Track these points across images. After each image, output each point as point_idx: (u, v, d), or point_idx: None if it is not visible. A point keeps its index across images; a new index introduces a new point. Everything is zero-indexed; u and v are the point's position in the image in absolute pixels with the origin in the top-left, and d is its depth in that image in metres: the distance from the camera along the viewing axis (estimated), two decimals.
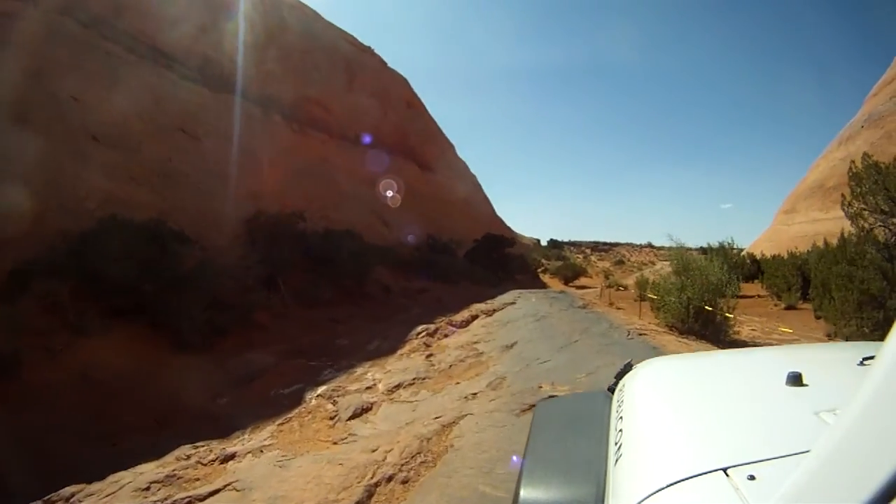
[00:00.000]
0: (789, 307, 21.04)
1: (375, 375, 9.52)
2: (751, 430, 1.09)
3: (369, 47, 35.08)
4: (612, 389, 1.64)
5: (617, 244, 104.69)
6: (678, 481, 0.87)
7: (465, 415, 6.21)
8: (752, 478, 0.83)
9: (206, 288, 13.02)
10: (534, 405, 6.28)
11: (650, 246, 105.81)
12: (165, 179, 17.72)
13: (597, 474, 1.15)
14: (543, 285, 39.14)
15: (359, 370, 10.04)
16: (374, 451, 5.36)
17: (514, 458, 4.49)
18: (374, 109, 33.04)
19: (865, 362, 1.28)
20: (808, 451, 0.66)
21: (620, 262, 76.93)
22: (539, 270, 44.81)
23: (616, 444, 1.19)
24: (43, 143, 14.09)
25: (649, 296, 16.27)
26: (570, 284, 41.43)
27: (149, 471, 5.69)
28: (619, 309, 18.56)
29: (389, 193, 28.69)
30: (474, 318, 14.74)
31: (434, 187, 36.68)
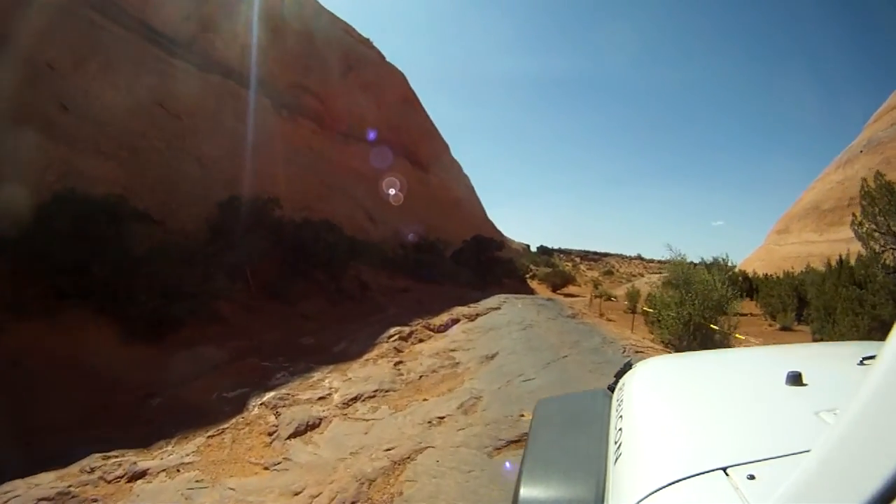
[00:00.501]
0: (784, 328, 20.06)
1: (333, 383, 8.24)
2: (750, 429, 1.07)
3: (367, 39, 33.81)
4: (611, 388, 1.58)
5: (607, 254, 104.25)
6: (678, 480, 0.85)
7: (425, 447, 4.92)
8: (751, 477, 0.80)
9: (161, 274, 11.71)
10: (513, 441, 5.29)
11: (640, 258, 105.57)
12: (135, 155, 16.32)
13: (596, 473, 1.12)
14: (531, 291, 37.92)
15: (316, 375, 8.74)
16: (297, 493, 4.08)
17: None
18: (369, 102, 31.73)
19: (865, 362, 1.25)
20: (807, 451, 0.63)
21: (609, 273, 75.90)
22: (527, 276, 43.64)
23: (616, 442, 1.16)
24: (7, 109, 12.76)
25: (644, 309, 15.13)
26: (558, 292, 40.29)
27: (45, 483, 4.76)
28: (609, 321, 17.42)
29: (392, 192, 27.34)
30: (455, 322, 13.48)
31: (426, 186, 35.39)
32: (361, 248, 18.54)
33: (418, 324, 12.78)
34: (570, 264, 76.93)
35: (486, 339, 11.15)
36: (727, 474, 0.84)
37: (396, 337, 11.20)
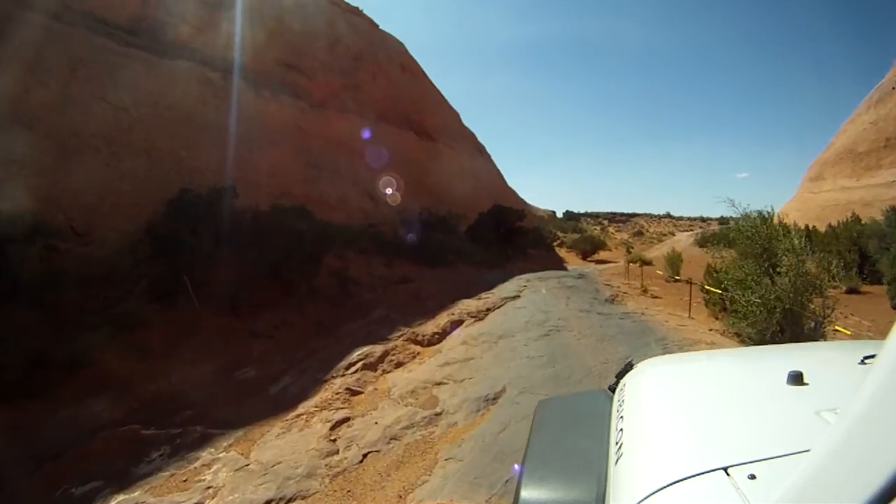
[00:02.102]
0: (851, 290, 15.51)
1: (220, 475, 4.68)
2: (751, 429, 1.03)
3: (357, 7, 29.45)
4: (612, 389, 1.52)
5: (635, 214, 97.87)
6: (679, 480, 0.83)
7: None
8: (752, 477, 0.78)
9: (52, 302, 8.32)
10: None
11: (669, 216, 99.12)
12: (63, 158, 12.79)
13: (597, 473, 1.09)
14: (559, 260, 33.68)
15: (205, 455, 5.14)
16: None
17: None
18: (362, 73, 27.55)
19: (866, 361, 1.22)
20: (808, 451, 0.62)
21: (639, 234, 70.61)
22: (555, 244, 39.22)
23: (617, 443, 1.12)
24: None
25: (707, 287, 10.87)
26: (589, 259, 36.08)
27: None
28: (655, 298, 13.22)
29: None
30: (456, 325, 9.55)
31: (434, 157, 31.16)
32: (345, 234, 14.68)
33: (402, 335, 8.88)
34: (598, 228, 71.86)
35: (491, 358, 7.19)
36: (728, 474, 0.80)
37: (360, 365, 7.34)
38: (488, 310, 10.54)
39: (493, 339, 8.22)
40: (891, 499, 0.46)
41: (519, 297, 11.81)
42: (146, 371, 8.09)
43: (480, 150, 40.99)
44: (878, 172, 31.47)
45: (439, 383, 6.48)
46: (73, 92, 14.22)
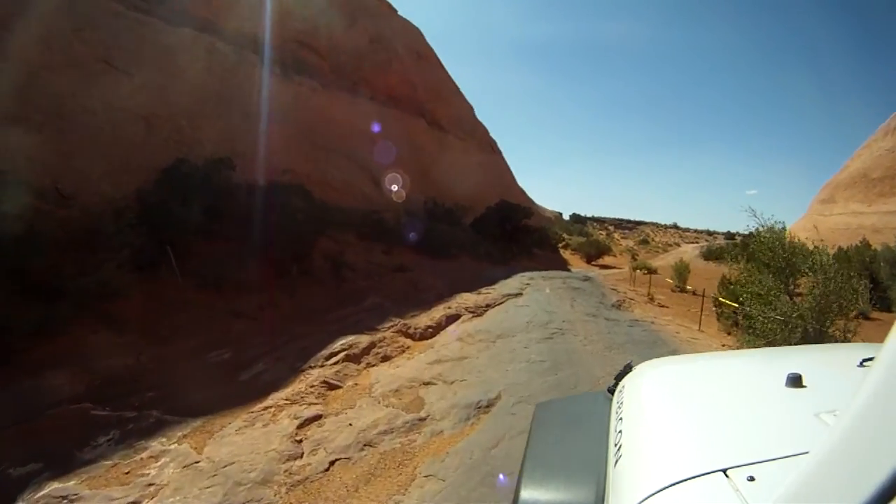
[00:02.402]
0: (862, 315, 14.72)
1: (166, 471, 4.10)
2: (750, 431, 1.01)
3: None
4: (611, 390, 1.50)
5: (641, 222, 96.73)
6: (678, 482, 0.81)
7: None
8: (751, 479, 0.77)
9: (20, 267, 7.71)
10: None
11: (675, 227, 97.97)
12: (59, 118, 12.18)
13: (597, 475, 1.07)
14: (564, 262, 32.92)
15: (155, 445, 4.61)
16: None
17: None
18: (378, 57, 26.76)
19: (865, 363, 1.21)
20: (807, 453, 0.61)
21: (645, 242, 69.55)
22: (559, 245, 38.43)
23: (616, 444, 1.10)
24: None
25: (721, 300, 10.14)
26: (594, 263, 35.32)
27: None
28: (662, 307, 12.48)
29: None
30: (452, 320, 8.86)
31: (443, 147, 30.36)
32: (345, 218, 13.99)
33: (393, 326, 8.20)
34: (603, 233, 70.87)
35: (487, 359, 6.49)
36: (727, 476, 0.79)
37: (342, 356, 6.66)
38: (488, 306, 9.84)
39: (490, 337, 7.52)
40: (889, 500, 0.45)
41: (521, 294, 11.11)
42: (116, 345, 7.48)
43: (492, 145, 40.16)
44: (892, 199, 30.84)
45: (427, 383, 5.79)
46: (76, 53, 13.63)
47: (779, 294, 7.79)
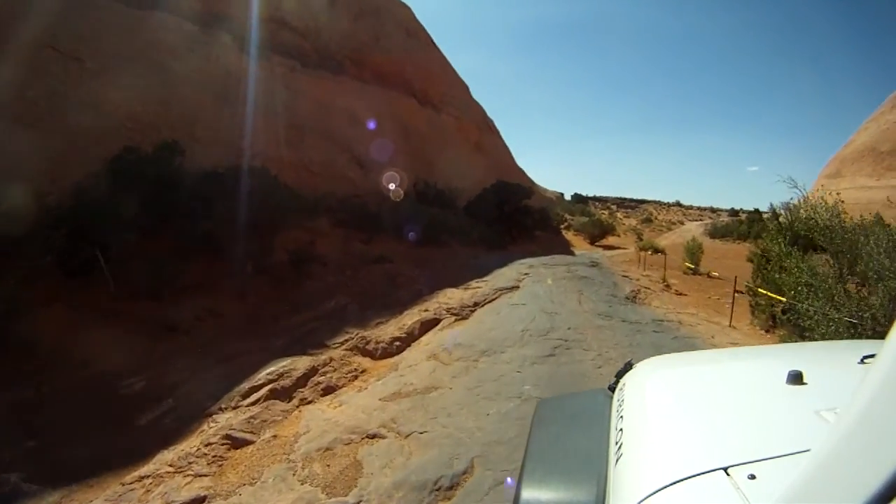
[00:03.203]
0: None
1: None
2: (751, 429, 0.99)
3: None
4: (612, 388, 1.44)
5: (644, 201, 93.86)
6: (679, 480, 0.79)
7: None
8: (752, 477, 0.75)
9: None
10: None
11: (678, 204, 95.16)
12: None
13: (597, 473, 1.03)
14: (567, 244, 30.83)
15: None
16: None
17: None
18: (363, 34, 24.49)
19: (866, 361, 1.16)
20: (808, 451, 0.61)
21: (648, 221, 67.17)
22: (562, 227, 36.26)
23: (617, 443, 1.07)
24: None
25: (756, 289, 8.12)
26: (597, 244, 33.25)
27: None
28: (680, 295, 10.52)
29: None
30: (428, 326, 6.92)
31: (436, 127, 28.13)
32: (319, 204, 12.01)
33: (349, 340, 6.28)
34: (606, 212, 68.45)
35: (463, 393, 4.54)
36: (728, 474, 0.77)
37: (266, 390, 4.75)
38: (476, 305, 7.87)
39: (473, 354, 5.56)
40: (890, 498, 0.44)
41: (518, 288, 9.11)
42: (13, 373, 5.66)
43: (489, 125, 37.81)
44: None
45: (373, 436, 3.86)
46: (18, 35, 11.70)
47: (838, 286, 5.79)
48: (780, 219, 17.88)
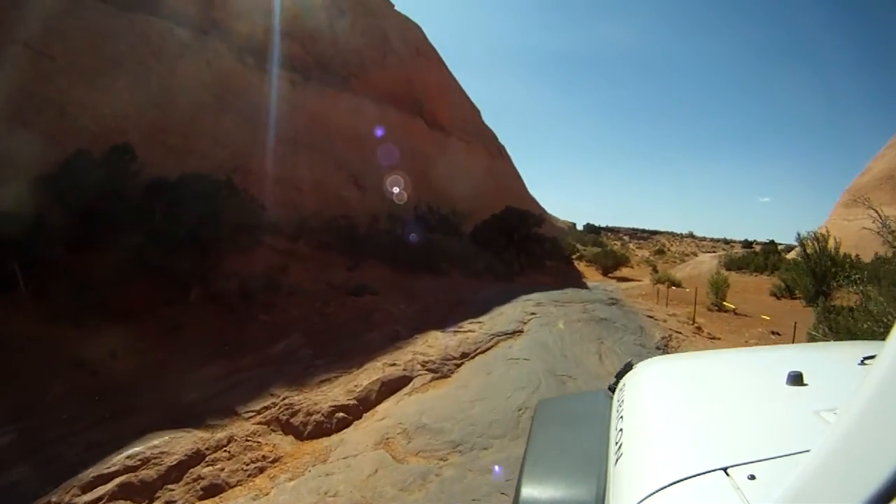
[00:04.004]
0: None
1: None
2: (751, 429, 0.97)
3: None
4: (612, 389, 1.41)
5: (656, 232, 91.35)
6: (679, 481, 0.77)
7: None
8: (752, 477, 0.73)
9: None
10: None
11: (692, 236, 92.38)
12: None
13: (597, 473, 1.02)
14: (579, 276, 28.63)
15: None
16: None
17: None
18: (370, 51, 23.16)
19: (866, 362, 1.16)
20: (808, 451, 0.59)
21: (661, 252, 64.48)
22: (574, 257, 34.11)
23: (616, 443, 1.05)
24: None
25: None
26: (610, 275, 31.06)
27: None
28: (713, 339, 8.47)
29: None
30: (392, 388, 4.91)
31: (445, 150, 26.43)
32: (299, 223, 10.20)
33: (276, 403, 4.28)
34: (618, 243, 66.06)
35: None
36: (728, 474, 0.75)
37: (114, 484, 2.75)
38: (463, 357, 5.84)
39: (440, 448, 3.53)
40: (890, 499, 0.44)
41: (521, 333, 7.05)
42: None
43: (501, 150, 36.17)
44: None
45: None
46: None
47: None
48: (808, 250, 15.72)
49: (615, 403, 1.28)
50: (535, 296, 10.77)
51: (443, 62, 30.22)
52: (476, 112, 33.50)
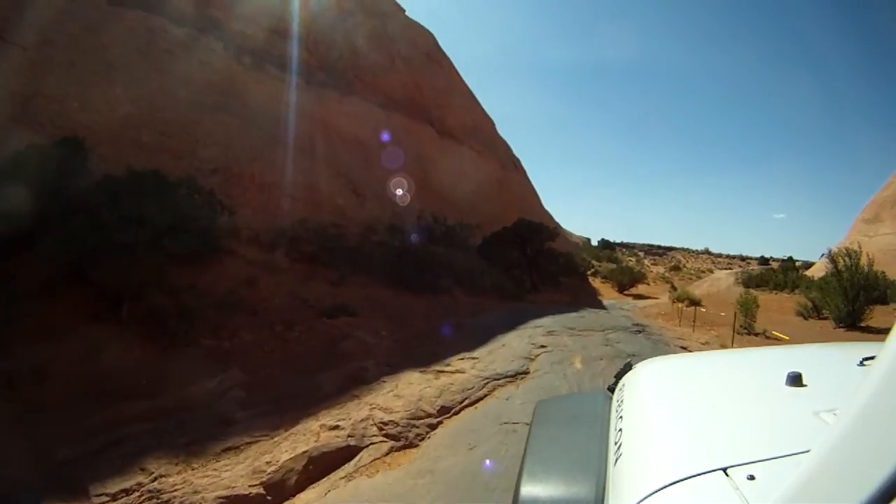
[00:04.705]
0: None
1: None
2: (750, 429, 0.94)
3: None
4: (611, 389, 1.39)
5: (672, 248, 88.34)
6: (678, 481, 0.74)
7: None
8: (751, 478, 0.70)
9: None
10: None
11: (707, 252, 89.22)
12: None
13: (597, 473, 0.99)
14: (594, 293, 26.69)
15: None
16: None
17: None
18: (377, 55, 21.83)
19: (865, 363, 1.11)
20: (807, 451, 0.58)
21: (676, 268, 61.89)
22: (588, 273, 32.18)
23: (616, 443, 1.02)
24: None
25: None
26: (626, 292, 29.14)
27: None
28: None
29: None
30: (327, 467, 3.22)
31: (455, 159, 24.80)
32: (278, 231, 8.70)
33: (143, 484, 2.57)
34: (633, 259, 63.58)
35: None
36: (727, 475, 0.72)
37: None
38: (442, 413, 4.14)
39: None
40: (890, 499, 0.42)
41: (525, 376, 5.29)
42: None
43: (515, 162, 34.54)
44: None
45: None
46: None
47: None
48: (840, 266, 13.89)
49: (614, 403, 1.25)
50: (547, 321, 8.99)
51: (455, 70, 28.86)
52: (489, 122, 32.00)
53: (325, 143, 16.33)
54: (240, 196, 11.66)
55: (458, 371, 5.23)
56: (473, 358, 5.79)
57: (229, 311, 7.04)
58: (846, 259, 13.75)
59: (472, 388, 4.70)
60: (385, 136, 19.50)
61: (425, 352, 6.06)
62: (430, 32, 27.55)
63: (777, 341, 11.25)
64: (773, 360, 1.49)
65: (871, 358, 1.08)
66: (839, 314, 12.44)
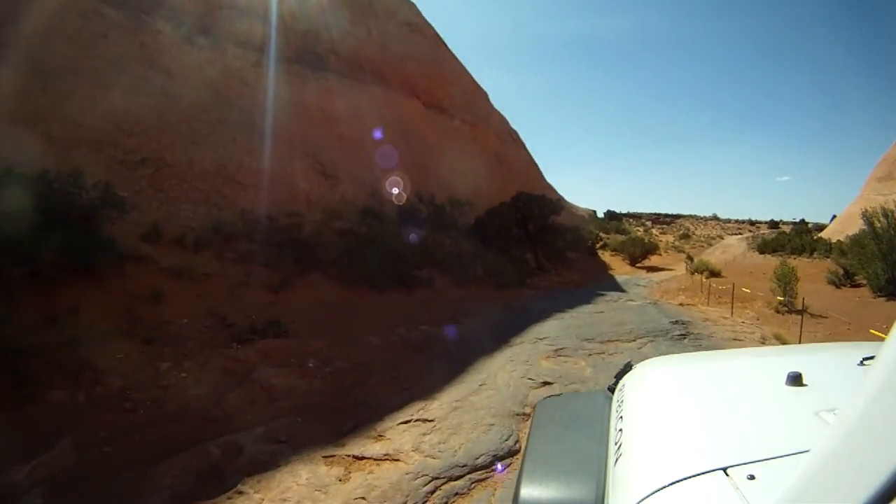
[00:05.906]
0: None
1: None
2: (751, 429, 0.92)
3: None
4: (612, 389, 1.34)
5: (679, 216, 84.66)
6: (678, 481, 0.73)
7: None
8: (751, 477, 0.70)
9: None
10: None
11: (716, 218, 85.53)
12: None
13: (597, 473, 0.96)
14: (605, 268, 24.19)
15: None
16: None
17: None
18: (354, 27, 19.19)
19: (865, 362, 1.08)
20: (808, 451, 0.57)
21: (686, 236, 58.77)
22: (597, 246, 29.55)
23: (616, 443, 0.99)
24: None
25: None
26: (639, 265, 26.54)
27: None
28: None
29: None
30: None
31: (443, 133, 22.14)
32: (217, 228, 6.40)
33: None
34: (640, 229, 60.54)
35: None
36: (727, 474, 0.71)
37: None
38: None
39: None
40: (890, 499, 0.42)
41: (514, 460, 2.93)
42: None
43: (512, 135, 31.73)
44: None
45: None
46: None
47: None
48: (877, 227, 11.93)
49: (615, 403, 1.21)
50: (553, 327, 6.48)
51: (442, 41, 25.90)
52: (483, 95, 29.08)
53: (293, 122, 13.85)
54: (175, 188, 9.34)
55: (389, 456, 2.84)
56: (427, 420, 3.36)
57: (116, 341, 4.76)
58: (882, 220, 11.95)
59: (464, 461, 2.34)
60: (361, 112, 16.95)
61: (357, 403, 3.70)
62: (411, 2, 24.62)
63: (820, 318, 8.88)
64: (774, 360, 1.44)
65: (871, 358, 1.04)
66: (878, 281, 10.95)
